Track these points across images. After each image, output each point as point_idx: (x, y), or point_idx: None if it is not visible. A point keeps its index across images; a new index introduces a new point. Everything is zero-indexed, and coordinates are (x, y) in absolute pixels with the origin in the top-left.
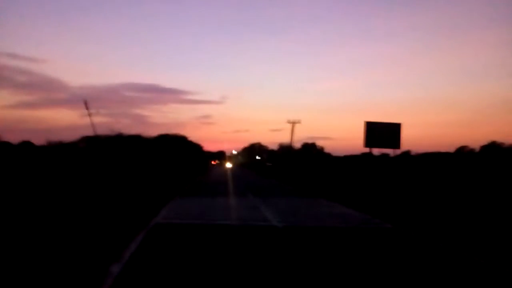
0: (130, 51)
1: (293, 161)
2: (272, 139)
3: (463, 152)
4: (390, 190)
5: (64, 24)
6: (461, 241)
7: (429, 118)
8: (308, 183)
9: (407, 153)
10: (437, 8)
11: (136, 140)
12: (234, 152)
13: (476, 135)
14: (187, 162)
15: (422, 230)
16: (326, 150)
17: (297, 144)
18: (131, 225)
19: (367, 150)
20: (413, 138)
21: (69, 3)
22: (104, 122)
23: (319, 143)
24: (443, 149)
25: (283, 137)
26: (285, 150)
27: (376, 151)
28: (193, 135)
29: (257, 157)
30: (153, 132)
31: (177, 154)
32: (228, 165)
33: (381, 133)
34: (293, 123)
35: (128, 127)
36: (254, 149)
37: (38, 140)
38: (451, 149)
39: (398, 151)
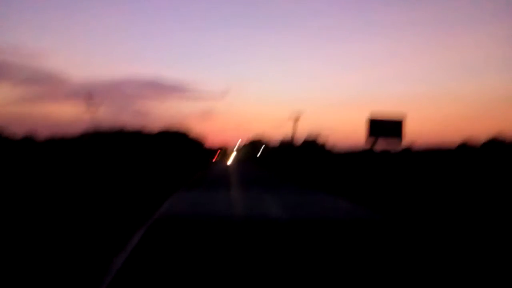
0: (132, 45)
1: (293, 156)
2: (275, 133)
3: (466, 146)
4: (388, 186)
5: (66, 18)
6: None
7: (432, 112)
8: (304, 176)
9: (408, 150)
10: (440, 1)
11: (137, 136)
12: (237, 146)
13: (479, 130)
14: (189, 157)
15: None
16: (329, 144)
17: (300, 138)
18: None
19: (369, 144)
20: (416, 133)
21: None
22: (106, 116)
23: (322, 137)
24: (445, 144)
25: (286, 131)
26: (286, 144)
27: (378, 146)
28: (195, 129)
29: (259, 152)
30: (155, 126)
31: (178, 149)
32: (229, 162)
33: (384, 126)
34: (296, 117)
35: (130, 122)
36: (257, 143)
37: (40, 135)
38: (454, 143)
39: (399, 147)
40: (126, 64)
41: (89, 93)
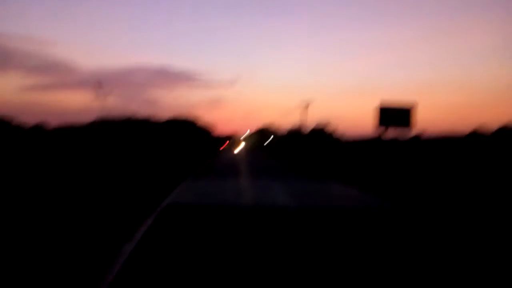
0: (141, 34)
1: (301, 144)
2: (283, 121)
3: (476, 134)
4: (396, 175)
5: (76, 8)
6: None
7: (441, 100)
8: (312, 164)
9: (417, 138)
10: None
11: (146, 124)
12: (245, 135)
13: (489, 118)
14: (197, 145)
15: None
16: (338, 132)
17: (308, 127)
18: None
19: (379, 132)
20: (426, 121)
21: None
22: (115, 105)
23: (330, 126)
24: (455, 132)
25: (295, 120)
26: (295, 133)
27: (387, 134)
28: (204, 118)
29: (268, 140)
30: (163, 115)
31: (186, 137)
32: (237, 150)
33: (394, 114)
34: (305, 105)
35: (139, 110)
36: (265, 131)
37: (50, 123)
38: (464, 131)
39: (408, 135)
40: (135, 52)
41: (98, 82)
